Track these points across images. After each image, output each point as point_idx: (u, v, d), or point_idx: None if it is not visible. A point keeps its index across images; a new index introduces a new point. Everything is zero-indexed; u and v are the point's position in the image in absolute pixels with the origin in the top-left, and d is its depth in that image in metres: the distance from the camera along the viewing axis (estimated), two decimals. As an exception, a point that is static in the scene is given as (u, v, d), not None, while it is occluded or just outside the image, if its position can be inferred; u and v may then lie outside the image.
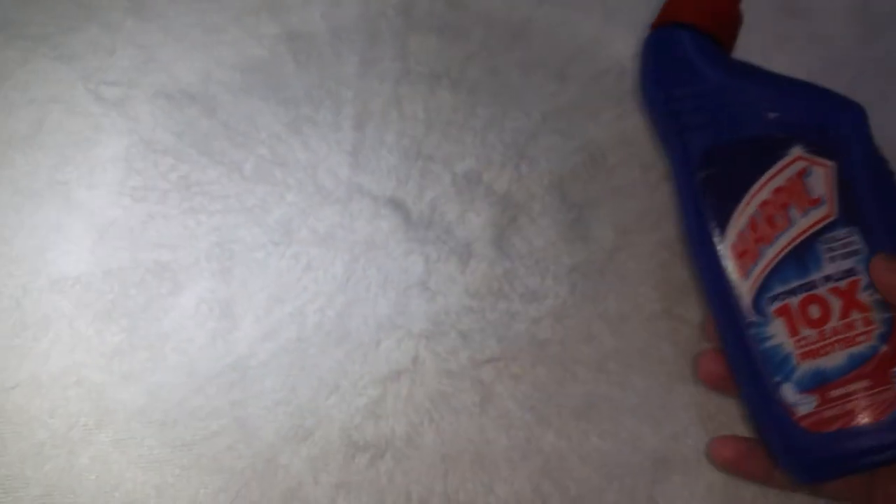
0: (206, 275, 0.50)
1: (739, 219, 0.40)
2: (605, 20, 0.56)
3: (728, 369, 0.41)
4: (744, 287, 0.40)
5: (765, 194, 0.40)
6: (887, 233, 0.38)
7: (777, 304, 0.39)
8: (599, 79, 0.54)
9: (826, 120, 0.40)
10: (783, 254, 0.39)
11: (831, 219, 0.38)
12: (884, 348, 0.37)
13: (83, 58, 0.57)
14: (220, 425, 0.46)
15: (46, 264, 0.51)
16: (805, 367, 0.38)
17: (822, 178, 0.39)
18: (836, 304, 0.38)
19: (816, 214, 0.39)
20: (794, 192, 0.39)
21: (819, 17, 0.55)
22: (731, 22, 0.45)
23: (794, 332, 0.39)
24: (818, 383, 0.38)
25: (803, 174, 0.39)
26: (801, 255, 0.39)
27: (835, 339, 0.38)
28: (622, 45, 0.55)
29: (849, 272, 0.38)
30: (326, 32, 0.57)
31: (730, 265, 0.40)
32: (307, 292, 0.50)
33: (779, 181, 0.40)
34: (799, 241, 0.39)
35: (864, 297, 0.38)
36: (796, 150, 0.40)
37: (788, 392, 0.38)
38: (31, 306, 0.50)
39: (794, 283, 0.39)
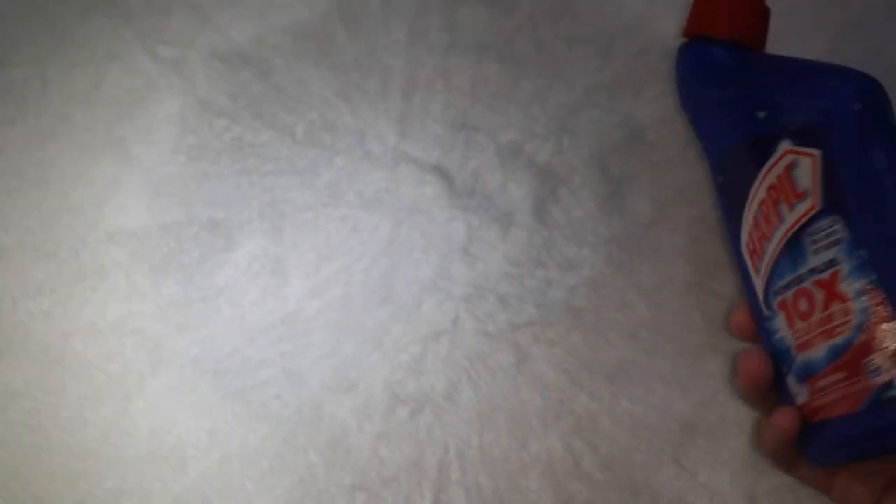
0: (258, 233, 0.52)
1: (748, 219, 0.42)
2: (650, -2, 0.57)
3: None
4: (757, 284, 0.42)
5: (761, 193, 0.41)
6: (870, 214, 0.38)
7: (778, 299, 0.40)
8: (643, 56, 0.56)
9: (815, 104, 0.40)
10: (778, 250, 0.40)
11: (815, 210, 0.38)
12: (859, 339, 0.36)
13: (140, 17, 0.59)
14: (269, 375, 0.49)
15: (104, 217, 0.53)
16: (800, 358, 0.39)
17: (807, 169, 0.39)
18: (819, 297, 0.38)
19: (801, 208, 0.39)
20: (783, 187, 0.40)
21: (858, 4, 0.56)
22: (757, 22, 0.45)
23: (791, 325, 0.40)
24: (808, 374, 0.39)
25: (790, 168, 0.39)
26: (791, 250, 0.39)
27: (818, 331, 0.38)
28: (667, 23, 0.56)
29: (830, 263, 0.38)
30: (377, 1, 0.58)
31: (747, 263, 0.42)
32: (353, 253, 0.52)
33: (770, 179, 0.40)
34: (788, 236, 0.39)
35: (844, 287, 0.37)
36: (784, 145, 0.40)
37: (791, 382, 0.40)
38: (88, 257, 0.52)
39: (788, 278, 0.40)
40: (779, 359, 0.40)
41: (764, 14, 0.45)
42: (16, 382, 0.49)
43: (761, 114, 0.41)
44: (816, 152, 0.39)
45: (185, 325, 0.50)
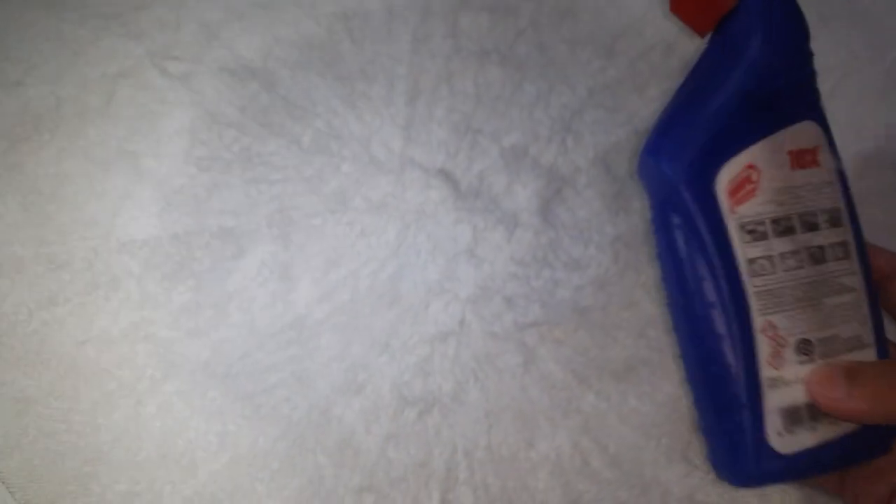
0: (266, 240, 0.53)
1: None
2: (651, -1, 0.58)
3: None
4: None
5: None
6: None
7: None
8: (645, 55, 0.56)
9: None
10: None
11: None
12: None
13: (150, 35, 0.60)
14: (278, 378, 0.49)
15: (116, 228, 0.54)
16: None
17: None
18: None
19: None
20: None
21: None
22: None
23: None
24: None
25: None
26: None
27: None
28: (668, 23, 0.56)
29: None
30: (381, 10, 0.59)
31: None
32: (361, 257, 0.52)
33: None
34: None
35: None
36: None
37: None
38: (102, 267, 0.53)
39: None
40: None
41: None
42: (30, 390, 0.50)
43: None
44: None
45: (196, 330, 0.51)
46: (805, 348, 0.39)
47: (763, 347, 0.39)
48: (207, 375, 0.50)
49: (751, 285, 0.39)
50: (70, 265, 0.53)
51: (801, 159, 0.40)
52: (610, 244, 0.52)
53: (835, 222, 0.41)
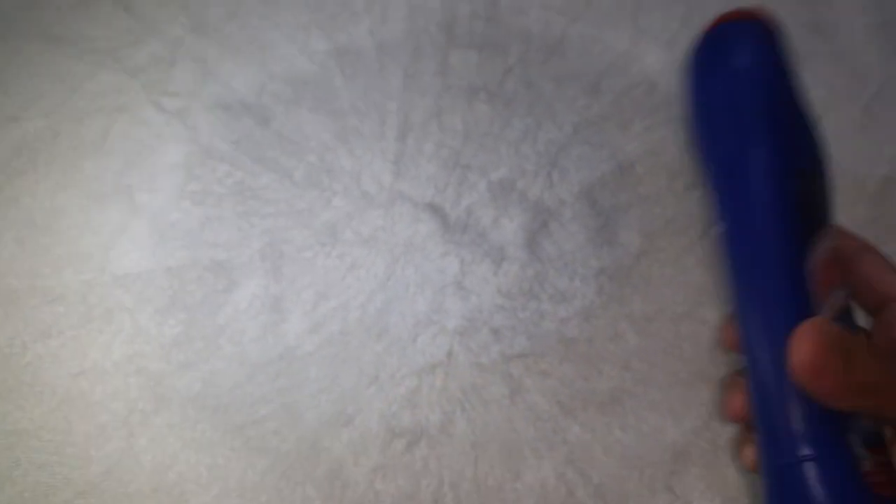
0: (258, 273, 0.54)
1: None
2: (636, 37, 0.59)
3: None
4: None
5: None
6: None
7: None
8: (630, 92, 0.57)
9: None
10: None
11: None
12: None
13: (146, 70, 0.62)
14: (268, 410, 0.50)
15: (110, 262, 0.55)
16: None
17: None
18: None
19: None
20: None
21: (842, 34, 0.57)
22: None
23: None
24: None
25: None
26: None
27: None
28: (652, 60, 0.57)
29: None
30: (373, 48, 0.60)
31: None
32: (350, 290, 0.53)
33: None
34: None
35: None
36: None
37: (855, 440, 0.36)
38: (95, 301, 0.54)
39: None
40: None
41: None
42: (23, 422, 0.50)
43: None
44: None
45: (187, 363, 0.51)
46: None
47: None
48: (198, 408, 0.50)
49: None
50: (64, 298, 0.54)
51: None
52: (594, 276, 0.53)
53: None
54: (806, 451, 0.35)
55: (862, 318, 0.42)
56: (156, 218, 0.56)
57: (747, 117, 0.41)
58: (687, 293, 0.52)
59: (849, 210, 0.52)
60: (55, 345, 0.53)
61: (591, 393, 0.50)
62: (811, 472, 0.34)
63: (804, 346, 0.34)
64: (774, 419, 0.37)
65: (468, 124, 0.57)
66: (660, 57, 0.57)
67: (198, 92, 0.60)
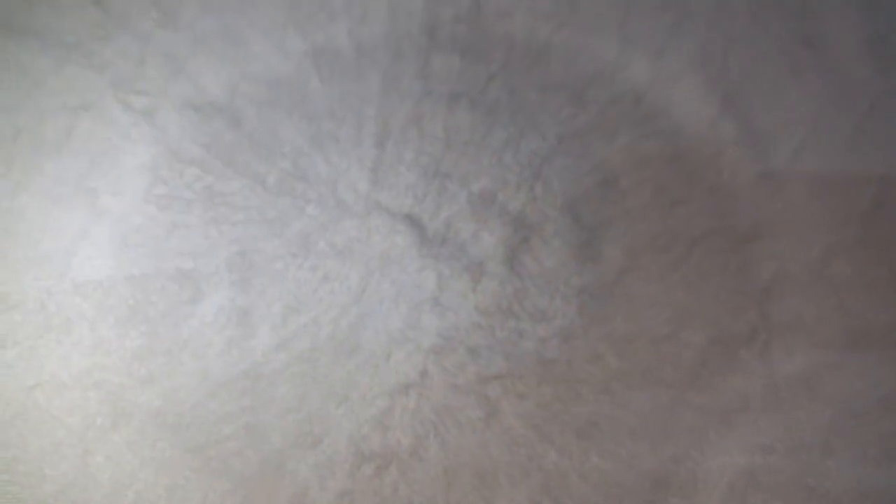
0: (225, 284, 0.52)
1: None
2: (623, 45, 0.57)
3: None
4: None
5: None
6: None
7: None
8: (616, 102, 0.55)
9: None
10: None
11: None
12: None
13: (114, 66, 0.59)
14: (231, 430, 0.48)
15: (71, 268, 0.53)
16: None
17: None
18: None
19: None
20: None
21: (834, 48, 0.55)
22: None
23: None
24: None
25: None
26: None
27: None
28: (639, 69, 0.55)
29: None
30: (351, 49, 0.58)
31: None
32: (322, 303, 0.51)
33: None
34: None
35: None
36: None
37: None
38: (54, 309, 0.52)
39: None
40: None
41: None
42: (-27, 438, 0.48)
43: None
44: None
45: (148, 377, 0.49)
46: None
47: None
48: (158, 425, 0.48)
49: None
50: (22, 306, 0.51)
51: None
52: (576, 295, 0.51)
53: None
54: None
55: None
56: (119, 223, 0.54)
57: None
58: (670, 314, 0.50)
59: (839, 230, 0.50)
60: (11, 355, 0.50)
61: (568, 417, 0.48)
62: None
63: None
64: None
65: (449, 132, 0.55)
66: (647, 67, 0.55)
67: (167, 90, 0.58)
